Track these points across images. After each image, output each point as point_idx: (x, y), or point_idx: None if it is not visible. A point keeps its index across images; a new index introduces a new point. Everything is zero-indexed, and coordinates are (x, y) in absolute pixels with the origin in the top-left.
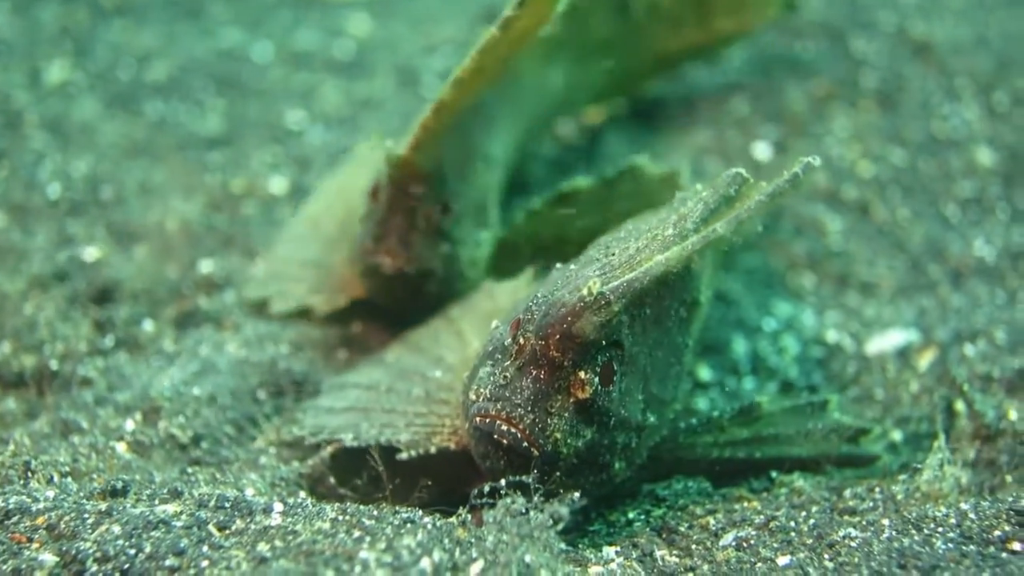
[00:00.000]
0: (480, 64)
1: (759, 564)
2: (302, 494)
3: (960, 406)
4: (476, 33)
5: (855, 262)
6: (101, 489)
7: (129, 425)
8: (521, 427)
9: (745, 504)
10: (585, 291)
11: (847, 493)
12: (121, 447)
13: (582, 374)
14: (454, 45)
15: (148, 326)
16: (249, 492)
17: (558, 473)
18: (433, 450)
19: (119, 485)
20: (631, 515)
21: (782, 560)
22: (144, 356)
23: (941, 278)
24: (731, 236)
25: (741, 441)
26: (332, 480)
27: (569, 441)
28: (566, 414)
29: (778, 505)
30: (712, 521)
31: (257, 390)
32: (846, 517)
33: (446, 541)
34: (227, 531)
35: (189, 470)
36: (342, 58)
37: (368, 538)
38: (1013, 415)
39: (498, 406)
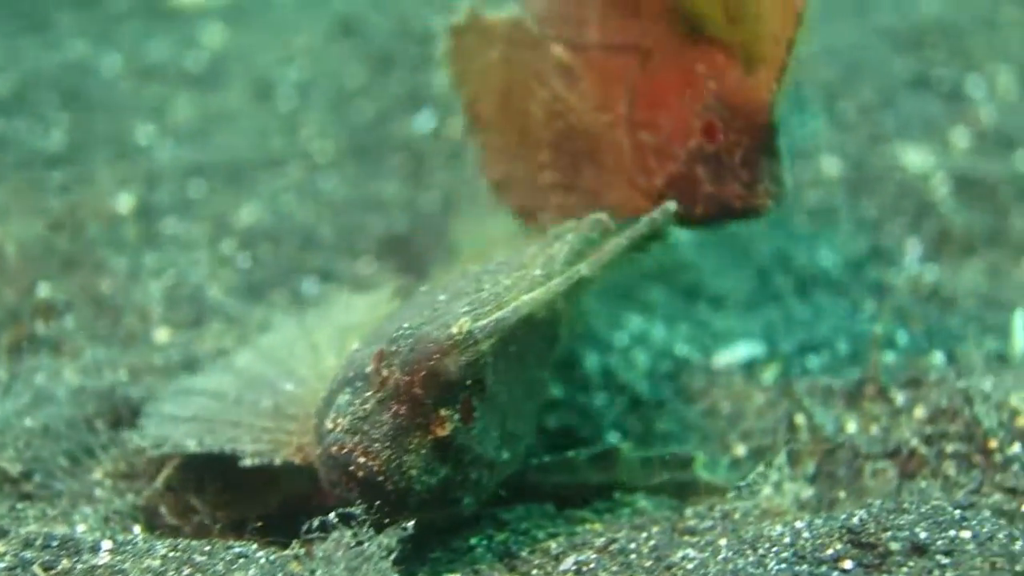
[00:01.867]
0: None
1: None
2: (136, 528)
3: (800, 419)
4: (332, 42)
5: (705, 274)
6: None
7: None
8: (377, 462)
9: (587, 526)
10: (455, 329)
11: (688, 512)
12: None
13: (443, 412)
14: (310, 56)
15: None
16: (80, 528)
17: (407, 508)
18: (278, 462)
19: None
20: (473, 541)
21: None
22: None
23: (788, 289)
24: (592, 277)
25: (592, 484)
26: (165, 512)
27: (424, 478)
28: (424, 451)
29: (620, 526)
30: (554, 545)
31: (94, 419)
32: (686, 537)
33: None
34: (52, 572)
35: (19, 506)
36: (195, 70)
37: (198, 575)
38: (851, 427)
39: (355, 439)
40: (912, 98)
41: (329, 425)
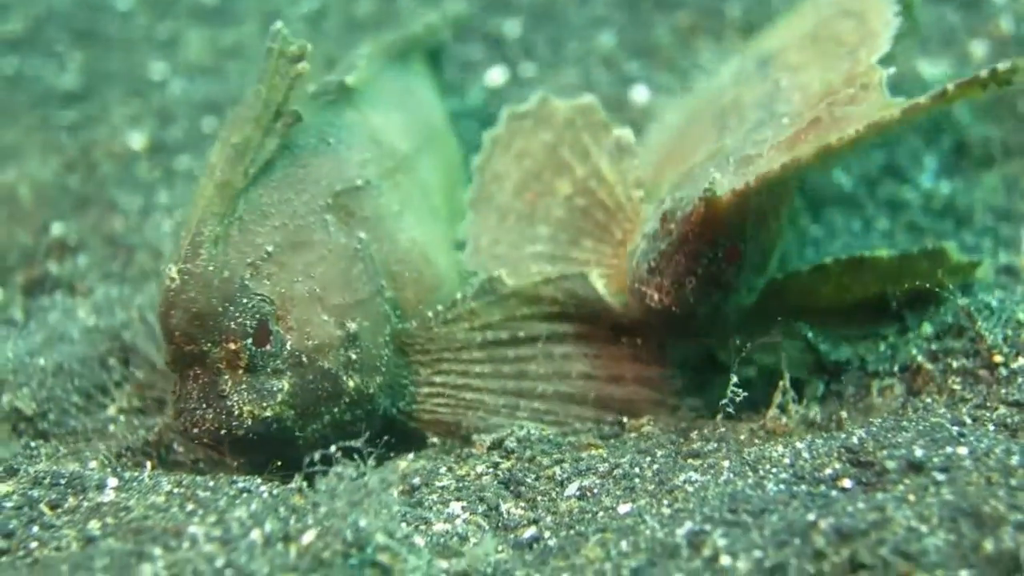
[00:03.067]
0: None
1: (600, 513)
2: (148, 465)
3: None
4: None
5: None
6: None
7: None
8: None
9: (592, 452)
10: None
11: (694, 435)
12: None
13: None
14: None
15: None
16: (92, 465)
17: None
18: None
19: None
20: (479, 468)
21: (623, 508)
22: None
23: (801, 207)
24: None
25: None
26: (179, 448)
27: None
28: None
29: (624, 451)
30: (558, 471)
31: (107, 357)
32: (690, 460)
33: (281, 510)
34: (59, 509)
35: (33, 444)
36: (207, 3)
37: (201, 511)
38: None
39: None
40: (929, 8)
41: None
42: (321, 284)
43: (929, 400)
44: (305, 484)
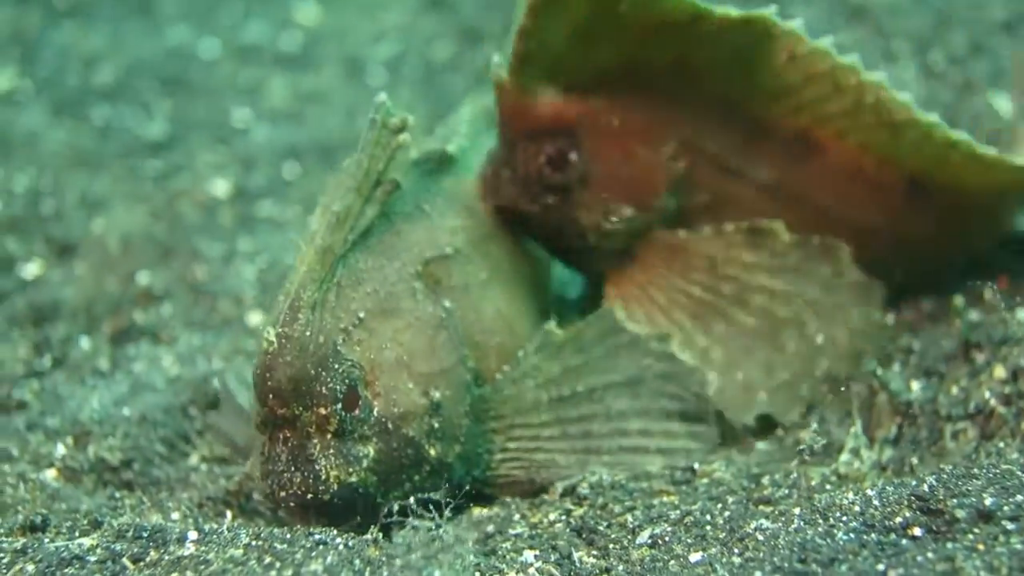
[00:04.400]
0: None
1: (672, 561)
2: (228, 514)
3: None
4: (421, 16)
5: None
6: (20, 524)
7: (60, 450)
8: None
9: (664, 499)
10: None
11: (765, 480)
12: (51, 474)
13: None
14: (400, 32)
15: (85, 344)
16: (174, 516)
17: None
18: None
19: (38, 520)
20: (552, 516)
21: (694, 556)
22: (80, 376)
23: None
24: None
25: None
26: (257, 496)
27: None
28: None
29: (696, 498)
30: (630, 518)
31: (189, 406)
32: (761, 507)
33: (356, 562)
34: (141, 563)
35: (117, 495)
36: (290, 50)
37: (278, 564)
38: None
39: None
40: (1007, 42)
41: None
42: (408, 352)
43: (1002, 444)
44: (381, 536)
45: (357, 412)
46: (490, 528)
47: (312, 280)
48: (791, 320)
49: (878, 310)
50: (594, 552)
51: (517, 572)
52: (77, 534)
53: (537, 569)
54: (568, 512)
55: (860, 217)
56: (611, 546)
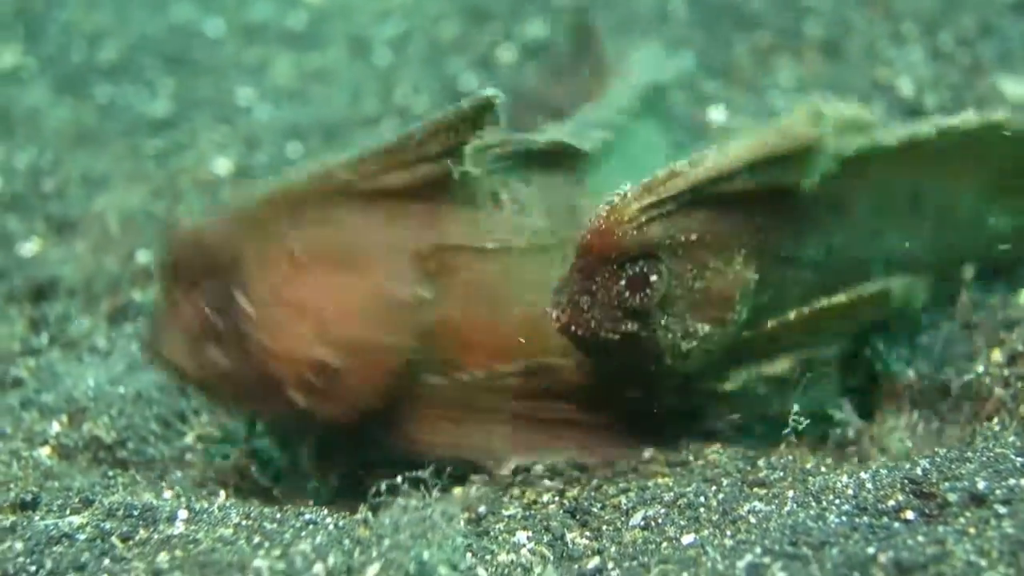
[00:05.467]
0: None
1: (664, 543)
2: (222, 493)
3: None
4: None
5: None
6: (11, 502)
7: (55, 428)
8: None
9: (658, 480)
10: None
11: (760, 463)
12: (45, 452)
13: None
14: (406, 11)
15: (83, 322)
16: (167, 495)
17: None
18: None
19: (29, 497)
20: (545, 497)
21: (687, 538)
22: (76, 353)
23: None
24: None
25: None
26: (255, 472)
27: None
28: None
29: (691, 480)
30: (624, 500)
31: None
32: (755, 489)
33: (346, 542)
34: (130, 542)
35: (110, 473)
36: (295, 29)
37: (267, 544)
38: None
39: None
40: (1017, 24)
41: None
42: None
43: (998, 428)
44: (371, 515)
45: None
46: (482, 508)
47: None
48: None
49: None
50: (587, 533)
51: (509, 552)
52: (68, 512)
53: (529, 550)
54: (561, 493)
55: None
56: (604, 527)
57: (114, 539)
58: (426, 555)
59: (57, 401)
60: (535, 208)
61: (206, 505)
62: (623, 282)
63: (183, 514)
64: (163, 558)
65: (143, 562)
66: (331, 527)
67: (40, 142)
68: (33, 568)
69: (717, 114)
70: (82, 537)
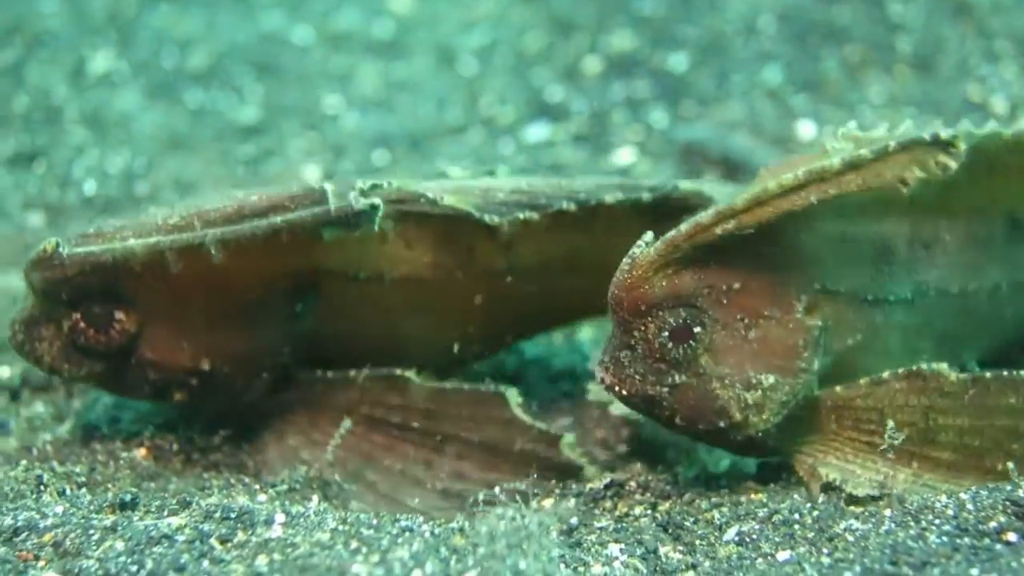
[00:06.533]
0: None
1: (759, 559)
2: (314, 499)
3: None
4: (512, 6)
5: None
6: (111, 502)
7: (149, 430)
8: None
9: (751, 496)
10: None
11: None
12: (141, 453)
13: None
14: (491, 21)
15: None
16: (261, 498)
17: None
18: None
19: (128, 498)
20: (638, 510)
21: (782, 555)
22: None
23: None
24: None
25: None
26: (340, 480)
27: None
28: None
29: (784, 497)
30: (717, 515)
31: None
32: (851, 507)
33: (442, 550)
34: (229, 544)
35: (205, 475)
36: (381, 38)
37: (364, 549)
38: None
39: None
40: None
41: None
42: None
43: None
44: (467, 524)
45: None
46: (573, 520)
47: None
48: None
49: None
50: (680, 547)
51: (603, 565)
52: (166, 513)
53: (623, 563)
54: (654, 506)
55: None
56: (697, 542)
57: (213, 541)
58: (522, 565)
59: (153, 404)
60: (423, 243)
61: (302, 509)
62: (664, 332)
63: (280, 518)
64: (262, 561)
65: (242, 564)
66: (427, 534)
67: (133, 146)
68: (134, 568)
69: (806, 129)
70: (181, 538)
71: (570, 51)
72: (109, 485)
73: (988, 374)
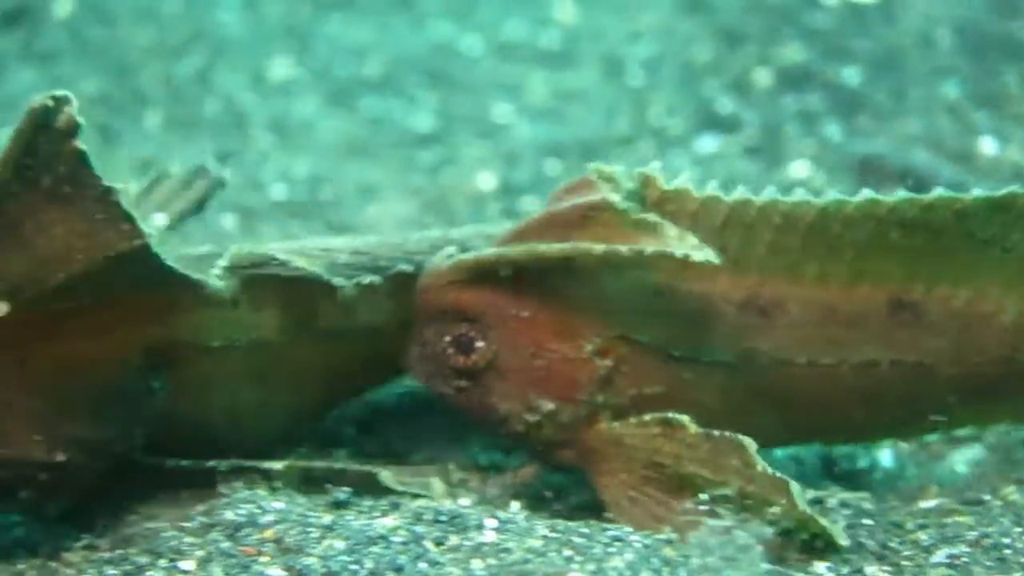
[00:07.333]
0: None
1: None
2: (514, 505)
3: None
4: (679, 17)
5: None
6: (326, 501)
7: (350, 431)
8: None
9: (957, 518)
10: None
11: None
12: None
13: None
14: (658, 32)
15: None
16: (464, 502)
17: None
18: None
19: (342, 496)
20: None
21: None
22: None
23: None
24: None
25: None
26: (546, 492)
27: None
28: None
29: (991, 519)
30: (923, 537)
31: None
32: None
33: (654, 560)
34: (442, 547)
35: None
36: (548, 48)
37: (578, 558)
38: None
39: None
40: None
41: None
42: None
43: None
44: (675, 536)
45: None
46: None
47: None
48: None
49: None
50: (886, 568)
51: None
52: (377, 514)
53: None
54: (854, 526)
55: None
56: (904, 563)
57: (427, 543)
58: None
59: (359, 410)
60: (271, 308)
61: (512, 515)
62: (446, 339)
63: (491, 522)
64: (477, 565)
65: (457, 568)
66: (638, 544)
67: (315, 152)
68: (355, 568)
69: (987, 146)
70: (397, 539)
71: (738, 63)
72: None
73: (718, 433)
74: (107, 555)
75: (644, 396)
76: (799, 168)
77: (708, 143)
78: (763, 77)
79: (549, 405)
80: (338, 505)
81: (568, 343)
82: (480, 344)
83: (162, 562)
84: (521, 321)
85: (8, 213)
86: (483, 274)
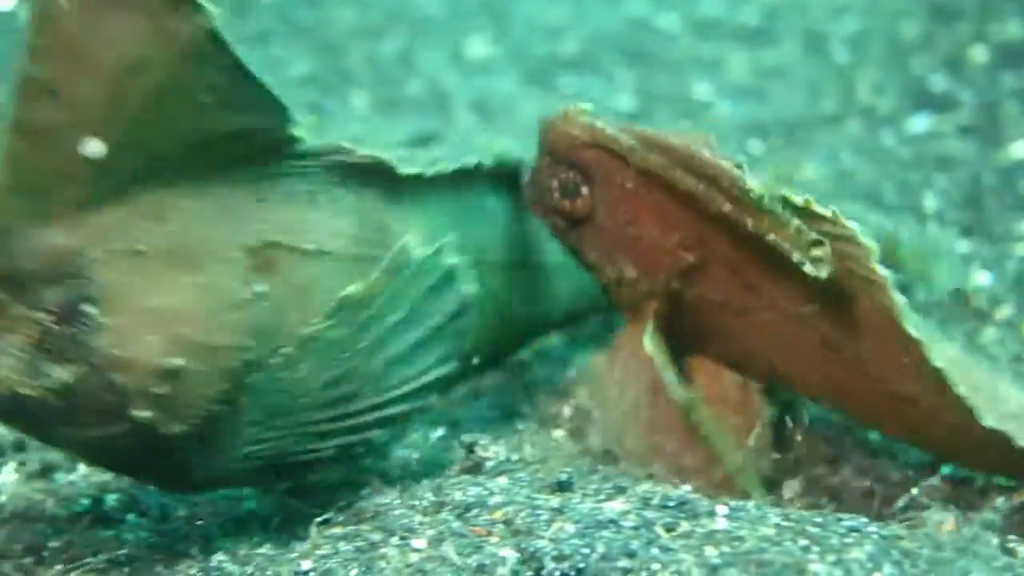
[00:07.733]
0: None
1: None
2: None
3: None
4: None
5: None
6: (548, 483)
7: (566, 411)
8: None
9: None
10: None
11: None
12: (559, 433)
13: None
14: (864, 6)
15: None
16: (686, 488)
17: None
18: None
19: (564, 478)
20: None
21: None
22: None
23: None
24: None
25: None
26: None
27: None
28: None
29: None
30: None
31: None
32: None
33: (894, 553)
34: (673, 533)
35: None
36: (748, 24)
37: (816, 548)
38: None
39: None
40: None
41: None
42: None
43: None
44: (905, 526)
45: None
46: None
47: None
48: None
49: None
50: None
51: None
52: (603, 498)
53: None
54: None
55: None
56: None
57: (658, 528)
58: (974, 572)
59: (564, 384)
60: (349, 217)
61: (742, 503)
62: (556, 181)
63: (722, 510)
64: (711, 552)
65: (690, 554)
66: (875, 536)
67: (518, 132)
68: (586, 551)
69: None
70: (627, 524)
71: (952, 39)
72: (537, 466)
73: None
74: (339, 531)
75: (706, 301)
76: (1021, 148)
77: (920, 122)
78: (979, 54)
79: (631, 272)
80: (561, 487)
81: (661, 225)
82: (584, 195)
83: (394, 540)
84: (626, 191)
85: None
86: (607, 145)
